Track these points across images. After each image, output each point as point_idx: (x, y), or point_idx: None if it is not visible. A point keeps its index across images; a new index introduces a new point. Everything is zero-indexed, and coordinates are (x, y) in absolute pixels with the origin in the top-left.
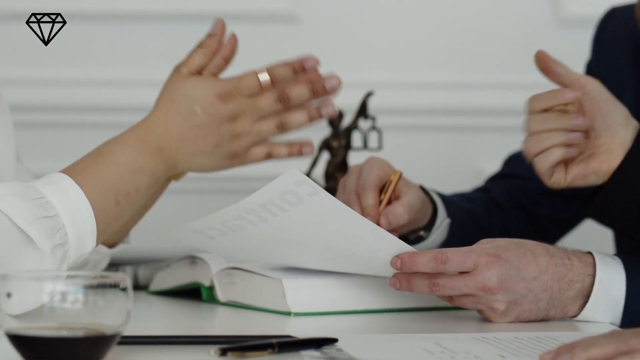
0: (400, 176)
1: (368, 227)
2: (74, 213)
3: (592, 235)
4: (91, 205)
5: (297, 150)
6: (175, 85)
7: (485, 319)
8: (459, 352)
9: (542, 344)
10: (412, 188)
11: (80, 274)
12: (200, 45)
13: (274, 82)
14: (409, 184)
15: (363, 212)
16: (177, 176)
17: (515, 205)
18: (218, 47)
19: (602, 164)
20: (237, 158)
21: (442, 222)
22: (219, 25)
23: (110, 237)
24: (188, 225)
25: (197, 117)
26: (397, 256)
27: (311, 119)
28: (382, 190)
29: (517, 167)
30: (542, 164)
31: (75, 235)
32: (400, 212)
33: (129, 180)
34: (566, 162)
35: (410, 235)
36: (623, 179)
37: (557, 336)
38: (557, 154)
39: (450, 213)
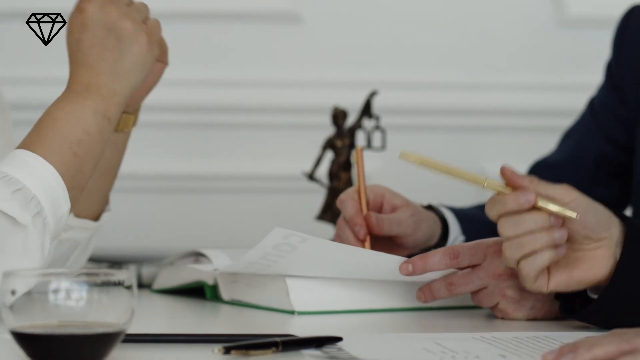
0: (362, 151)
1: (364, 254)
2: (39, 179)
3: None
4: (51, 165)
5: None
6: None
7: (503, 317)
8: (459, 352)
9: (541, 343)
10: (407, 208)
11: (84, 272)
12: None
13: None
14: (407, 205)
15: (349, 223)
16: (129, 120)
17: None
18: None
19: (586, 273)
20: (143, 41)
21: (456, 239)
22: None
23: (91, 207)
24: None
25: (74, 35)
26: (407, 261)
27: None
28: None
29: (541, 175)
30: (530, 269)
31: (48, 199)
32: (383, 218)
33: (74, 129)
34: (548, 266)
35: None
36: (616, 290)
37: (556, 336)
38: (545, 258)
39: (467, 230)
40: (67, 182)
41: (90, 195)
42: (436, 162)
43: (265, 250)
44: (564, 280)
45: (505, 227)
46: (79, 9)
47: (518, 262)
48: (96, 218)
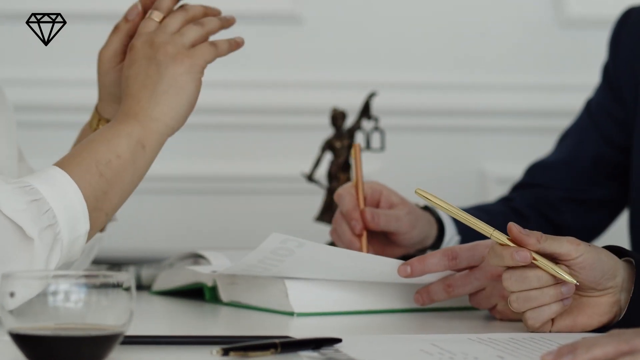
0: (360, 147)
1: (361, 258)
2: (61, 193)
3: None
4: (75, 182)
5: (235, 43)
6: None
7: (501, 318)
8: (457, 354)
9: (539, 344)
10: (404, 205)
11: (83, 274)
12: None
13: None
14: (404, 202)
15: (346, 218)
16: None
17: (538, 214)
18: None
19: (591, 319)
20: (182, 63)
21: (452, 239)
22: (134, 11)
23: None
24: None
25: (125, 73)
26: (406, 263)
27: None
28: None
29: (537, 176)
30: (536, 320)
31: (65, 215)
32: (380, 213)
33: (105, 150)
34: None
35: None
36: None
37: (552, 337)
38: (553, 311)
39: (463, 230)
40: (90, 202)
41: None
42: (449, 206)
43: (263, 255)
44: (568, 326)
45: (509, 282)
46: (129, 47)
47: (525, 311)
48: (102, 229)
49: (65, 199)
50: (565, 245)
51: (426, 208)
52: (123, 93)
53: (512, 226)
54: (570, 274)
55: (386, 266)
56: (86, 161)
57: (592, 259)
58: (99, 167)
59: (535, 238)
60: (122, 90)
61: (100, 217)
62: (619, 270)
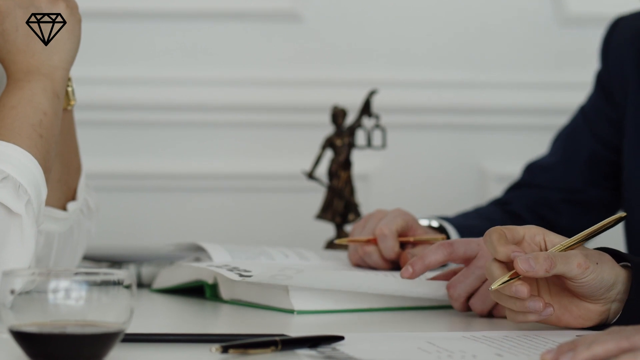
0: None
1: (359, 278)
2: (20, 166)
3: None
4: (27, 151)
5: None
6: None
7: (504, 316)
8: (455, 352)
9: (533, 342)
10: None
11: (84, 271)
12: None
13: None
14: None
15: (383, 253)
16: (68, 95)
17: (536, 216)
18: None
19: (575, 321)
20: (62, 4)
21: None
22: None
23: (52, 193)
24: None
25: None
26: (409, 263)
27: None
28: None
29: (537, 176)
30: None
31: (31, 185)
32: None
33: (33, 111)
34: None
35: None
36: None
37: (546, 334)
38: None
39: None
40: (42, 166)
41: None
42: None
43: (263, 278)
44: (552, 321)
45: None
46: None
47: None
48: (63, 207)
49: (25, 170)
50: (575, 270)
51: (438, 229)
52: (5, 50)
53: (518, 265)
54: (570, 283)
55: (385, 283)
56: (23, 128)
57: (594, 280)
58: (36, 129)
59: (544, 271)
60: (2, 48)
61: (48, 176)
62: (617, 284)
